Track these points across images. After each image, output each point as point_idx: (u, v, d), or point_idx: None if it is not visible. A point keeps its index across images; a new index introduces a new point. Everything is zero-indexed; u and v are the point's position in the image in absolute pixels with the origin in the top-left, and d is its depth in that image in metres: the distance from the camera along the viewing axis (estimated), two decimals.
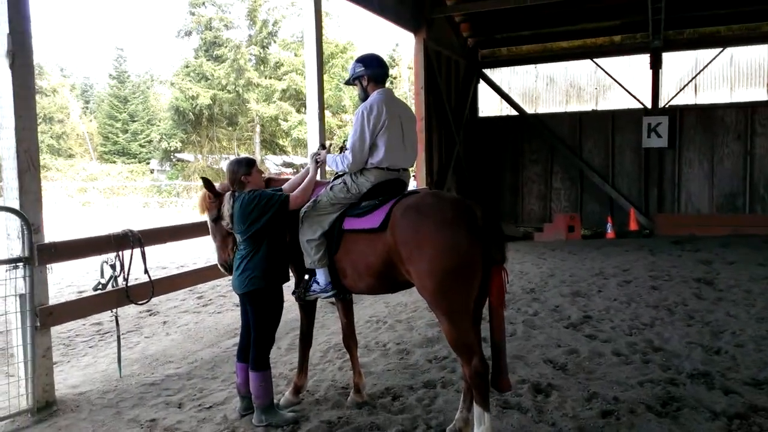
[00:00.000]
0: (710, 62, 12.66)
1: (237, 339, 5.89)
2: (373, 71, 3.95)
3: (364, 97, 3.97)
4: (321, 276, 3.87)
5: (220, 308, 7.49)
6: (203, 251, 12.36)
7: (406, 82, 36.82)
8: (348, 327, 4.27)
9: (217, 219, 4.10)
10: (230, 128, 33.39)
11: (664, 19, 10.64)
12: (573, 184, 13.90)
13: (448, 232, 3.26)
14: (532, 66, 14.44)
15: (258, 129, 32.94)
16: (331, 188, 3.89)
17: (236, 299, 7.87)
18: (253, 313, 3.85)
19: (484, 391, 3.28)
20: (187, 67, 32.29)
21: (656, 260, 9.79)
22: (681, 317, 6.23)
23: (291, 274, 4.23)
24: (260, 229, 3.76)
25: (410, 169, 4.14)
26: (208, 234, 4.36)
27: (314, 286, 3.92)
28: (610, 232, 12.83)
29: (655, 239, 12.37)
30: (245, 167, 3.89)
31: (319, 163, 4.10)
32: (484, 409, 3.28)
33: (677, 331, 5.69)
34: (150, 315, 7.20)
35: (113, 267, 4.81)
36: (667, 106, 12.89)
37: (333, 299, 4.13)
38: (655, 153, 13.00)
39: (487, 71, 14.40)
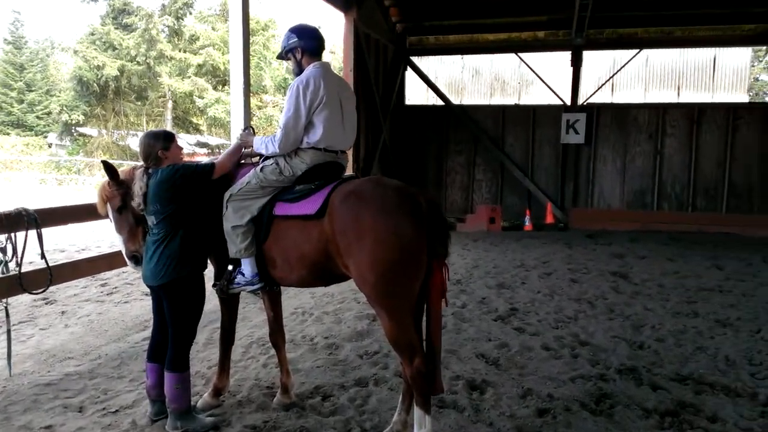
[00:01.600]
0: (627, 63, 13.18)
1: (147, 333, 5.40)
2: (307, 42, 3.59)
3: (299, 71, 3.60)
4: (247, 266, 3.49)
5: (127, 297, 6.85)
6: (108, 234, 11.43)
7: None
8: (275, 321, 3.92)
9: (122, 208, 3.58)
10: (139, 103, 31.31)
11: (588, 18, 10.89)
12: (494, 176, 14.10)
13: (392, 221, 2.99)
14: (458, 57, 14.46)
15: (170, 105, 31.14)
16: (261, 169, 3.50)
17: (145, 287, 7.30)
18: (171, 306, 3.43)
19: (426, 392, 3.06)
20: (92, 34, 29.89)
21: (573, 253, 10.06)
22: (602, 311, 6.35)
23: (210, 263, 3.83)
24: (180, 208, 3.37)
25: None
26: (102, 214, 3.76)
27: (239, 278, 3.53)
28: (528, 224, 13.12)
29: (569, 232, 12.78)
30: (163, 141, 3.46)
31: (242, 146, 3.70)
32: (425, 411, 3.06)
33: (601, 325, 5.78)
34: (46, 304, 6.45)
35: (4, 251, 4.18)
36: (585, 103, 13.30)
37: (258, 292, 3.75)
38: (572, 149, 13.40)
39: (415, 59, 14.26)
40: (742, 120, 12.48)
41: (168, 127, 31.55)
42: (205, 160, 3.81)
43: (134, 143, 33.64)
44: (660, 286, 7.57)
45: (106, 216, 3.65)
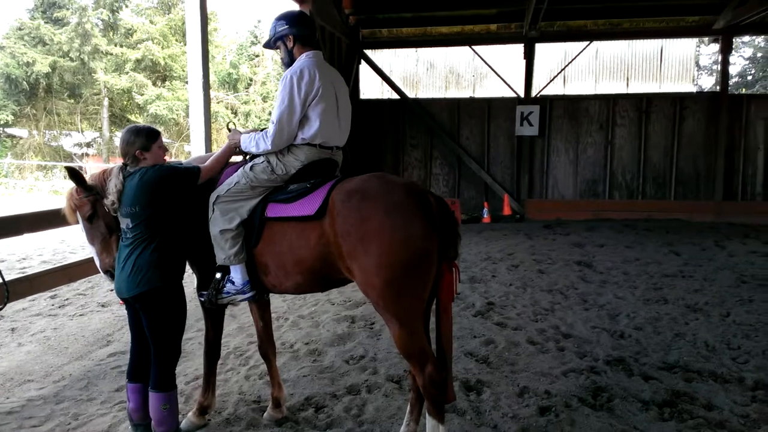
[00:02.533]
0: (578, 55, 13.41)
1: (111, 348, 5.03)
2: (299, 30, 3.33)
3: (289, 61, 3.34)
4: (237, 274, 3.22)
5: (82, 310, 6.36)
6: (47, 241, 10.72)
7: (269, 62, 35.43)
8: (265, 332, 3.66)
9: (92, 216, 3.23)
10: (72, 101, 29.72)
11: (543, 10, 10.98)
12: (451, 169, 14.09)
13: (401, 220, 2.79)
14: (413, 50, 14.35)
15: (106, 102, 29.70)
16: (251, 168, 3.23)
17: (101, 298, 6.82)
18: (150, 320, 3.13)
19: (440, 401, 2.90)
20: (20, 29, 28.08)
21: (534, 244, 10.16)
22: (576, 301, 6.39)
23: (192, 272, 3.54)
24: (159, 212, 3.09)
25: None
26: (72, 224, 3.42)
27: (228, 287, 3.26)
28: (486, 216, 13.19)
29: (527, 223, 12.94)
30: (144, 139, 3.14)
31: (233, 148, 3.42)
32: (438, 421, 2.91)
33: (578, 316, 5.80)
34: None
35: None
36: (538, 95, 13.45)
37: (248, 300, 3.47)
38: (527, 141, 13.55)
39: (369, 52, 14.05)
40: (688, 110, 12.92)
41: (104, 125, 30.12)
42: (188, 160, 3.50)
43: (67, 144, 32.03)
44: (625, 273, 7.71)
45: (77, 223, 3.30)
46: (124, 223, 3.13)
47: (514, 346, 4.92)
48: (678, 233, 11.08)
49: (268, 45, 3.48)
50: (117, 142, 3.28)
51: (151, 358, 3.17)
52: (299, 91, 3.14)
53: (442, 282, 2.96)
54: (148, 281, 3.05)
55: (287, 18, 3.36)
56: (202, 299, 3.37)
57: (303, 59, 3.29)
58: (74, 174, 3.20)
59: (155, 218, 3.09)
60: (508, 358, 4.66)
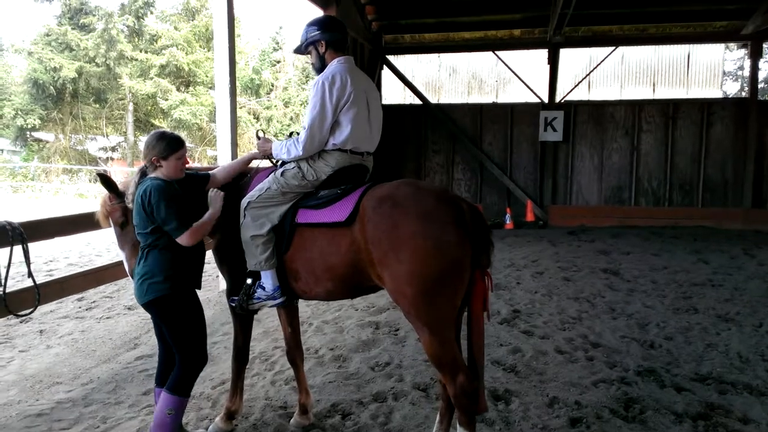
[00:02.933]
0: (603, 60, 13.27)
1: (139, 352, 5.06)
2: (332, 36, 3.33)
3: (321, 66, 3.35)
4: (268, 280, 3.21)
5: (109, 312, 6.43)
6: (73, 244, 10.87)
7: (291, 67, 35.65)
8: (293, 338, 3.64)
9: (124, 223, 3.24)
10: (98, 105, 30.21)
11: (568, 15, 10.88)
12: (474, 175, 14.01)
13: (434, 229, 2.75)
14: (435, 55, 14.33)
15: (131, 107, 30.14)
16: (282, 174, 3.22)
17: (127, 301, 6.89)
18: (167, 327, 3.08)
19: (471, 411, 2.85)
20: (47, 35, 28.62)
21: (559, 251, 10.04)
22: (603, 310, 6.28)
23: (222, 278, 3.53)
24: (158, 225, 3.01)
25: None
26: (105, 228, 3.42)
27: (259, 292, 3.25)
28: (509, 222, 13.08)
29: (550, 230, 12.80)
30: (164, 146, 3.05)
31: (260, 155, 3.43)
32: (470, 431, 2.86)
33: (606, 325, 5.69)
34: (21, 322, 5.98)
35: None
36: (562, 101, 13.33)
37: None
38: (550, 146, 13.42)
39: (391, 58, 14.06)
40: (716, 115, 12.70)
41: (129, 130, 30.56)
42: (218, 170, 3.48)
43: (92, 148, 32.55)
44: (653, 282, 7.57)
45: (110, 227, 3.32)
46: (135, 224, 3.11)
47: (542, 355, 4.85)
48: (706, 241, 10.87)
49: (299, 50, 3.48)
50: (141, 146, 3.28)
51: (176, 362, 3.16)
52: (331, 96, 3.14)
53: (474, 290, 2.92)
54: (154, 289, 3.00)
55: (319, 23, 3.36)
56: (233, 304, 3.36)
57: (335, 65, 3.28)
58: (106, 181, 3.21)
59: (156, 228, 3.00)
60: (536, 367, 4.59)
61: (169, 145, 3.07)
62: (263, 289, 3.22)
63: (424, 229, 2.76)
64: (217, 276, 7.36)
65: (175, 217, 2.95)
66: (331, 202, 3.09)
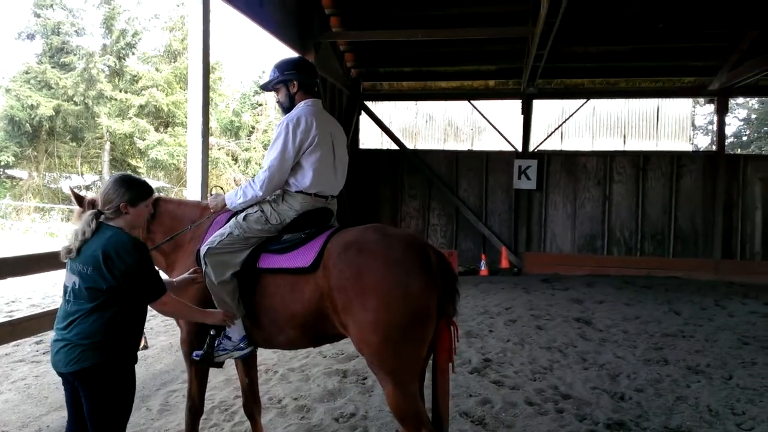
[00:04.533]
0: (575, 112, 13.60)
1: None
2: (305, 78, 3.34)
3: (289, 106, 3.33)
4: (234, 330, 3.10)
5: None
6: (37, 284, 10.54)
7: (272, 110, 35.96)
8: (250, 389, 3.51)
9: None
10: (74, 144, 29.95)
11: (540, 68, 11.19)
12: (449, 220, 14.06)
13: (400, 276, 2.70)
14: (412, 102, 14.57)
15: (107, 146, 29.94)
16: (244, 218, 3.15)
17: None
18: (93, 401, 2.59)
19: None
20: (27, 73, 28.56)
21: (532, 298, 10.00)
22: (575, 360, 6.21)
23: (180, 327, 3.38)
24: (121, 283, 2.60)
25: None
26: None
27: (225, 343, 3.12)
28: (483, 269, 13.06)
29: (524, 277, 12.80)
30: (136, 193, 2.76)
31: (213, 212, 3.34)
32: None
33: (577, 376, 5.62)
34: None
35: None
36: (536, 150, 13.56)
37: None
38: (524, 194, 13.57)
39: (369, 104, 14.25)
40: (686, 168, 13.00)
41: (104, 169, 30.24)
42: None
43: (66, 186, 32.08)
44: (624, 332, 7.54)
45: None
46: (71, 280, 2.66)
47: (511, 406, 4.75)
48: (677, 291, 10.95)
49: (267, 87, 3.46)
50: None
51: None
52: (294, 137, 3.11)
53: (439, 340, 2.85)
54: (88, 356, 2.54)
55: (294, 64, 3.37)
56: (197, 358, 3.16)
57: (302, 106, 3.28)
58: (77, 197, 3.01)
59: (114, 289, 2.59)
60: (505, 419, 4.48)
61: (140, 191, 2.80)
62: (229, 339, 3.10)
63: (390, 276, 2.71)
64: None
65: (158, 279, 2.67)
66: (295, 246, 3.03)
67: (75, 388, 2.64)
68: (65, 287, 2.68)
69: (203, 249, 3.12)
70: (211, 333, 3.13)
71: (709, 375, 5.71)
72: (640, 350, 6.62)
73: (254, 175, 3.26)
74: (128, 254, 2.59)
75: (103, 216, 2.73)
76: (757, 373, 5.76)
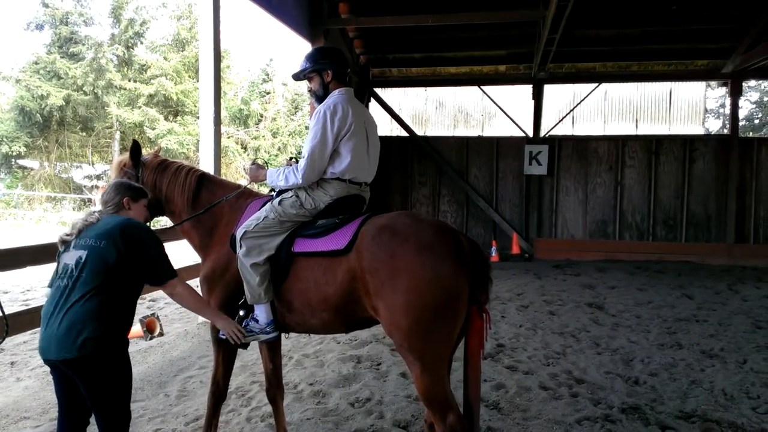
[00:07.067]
0: (587, 96, 13.49)
1: None
2: (339, 67, 3.36)
3: (323, 95, 3.35)
4: (262, 313, 3.14)
5: None
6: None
7: (280, 99, 35.90)
8: (274, 375, 3.54)
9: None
10: (84, 134, 30.09)
11: (552, 52, 11.09)
12: (459, 207, 14.04)
13: (432, 260, 2.71)
14: (422, 89, 14.51)
15: (117, 136, 30.06)
16: (279, 203, 3.19)
17: None
18: (94, 389, 2.56)
19: None
20: (36, 63, 28.65)
21: (544, 284, 10.00)
22: (588, 345, 6.22)
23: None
24: (128, 260, 2.66)
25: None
26: None
27: (252, 325, 3.16)
28: (494, 255, 13.07)
29: (536, 263, 12.79)
30: (137, 191, 3.03)
31: (249, 182, 3.42)
32: None
33: (591, 360, 5.63)
34: None
35: None
36: (547, 135, 13.48)
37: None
38: (535, 180, 13.52)
39: (379, 90, 14.20)
40: (698, 152, 12.90)
41: (114, 158, 30.33)
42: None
43: (77, 176, 32.29)
44: (637, 317, 7.54)
45: None
46: (74, 256, 2.63)
47: (525, 391, 4.76)
48: (690, 276, 10.91)
49: (299, 76, 3.47)
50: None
51: (100, 427, 2.64)
52: (332, 125, 3.14)
53: (471, 327, 2.86)
54: (89, 344, 2.49)
55: (327, 53, 3.40)
56: (224, 337, 3.16)
57: (336, 95, 3.30)
58: (135, 146, 3.54)
59: (118, 266, 2.62)
60: (519, 404, 4.50)
61: (140, 191, 3.06)
62: (256, 321, 3.14)
63: (421, 259, 2.72)
64: None
65: (170, 262, 2.78)
66: (330, 231, 3.07)
67: (65, 377, 2.61)
68: (65, 266, 2.65)
69: (239, 232, 3.16)
70: (240, 314, 3.18)
71: (724, 359, 5.70)
72: (654, 335, 6.61)
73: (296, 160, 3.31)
74: (144, 232, 2.77)
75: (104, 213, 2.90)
76: None
